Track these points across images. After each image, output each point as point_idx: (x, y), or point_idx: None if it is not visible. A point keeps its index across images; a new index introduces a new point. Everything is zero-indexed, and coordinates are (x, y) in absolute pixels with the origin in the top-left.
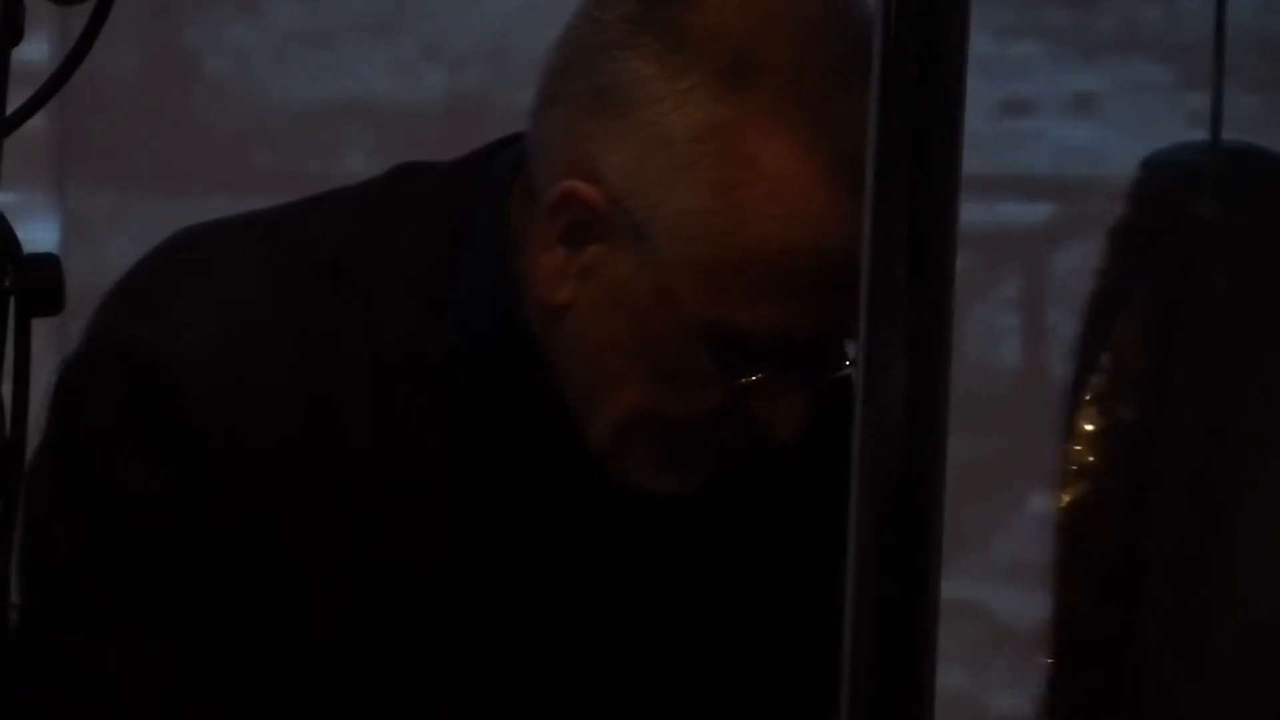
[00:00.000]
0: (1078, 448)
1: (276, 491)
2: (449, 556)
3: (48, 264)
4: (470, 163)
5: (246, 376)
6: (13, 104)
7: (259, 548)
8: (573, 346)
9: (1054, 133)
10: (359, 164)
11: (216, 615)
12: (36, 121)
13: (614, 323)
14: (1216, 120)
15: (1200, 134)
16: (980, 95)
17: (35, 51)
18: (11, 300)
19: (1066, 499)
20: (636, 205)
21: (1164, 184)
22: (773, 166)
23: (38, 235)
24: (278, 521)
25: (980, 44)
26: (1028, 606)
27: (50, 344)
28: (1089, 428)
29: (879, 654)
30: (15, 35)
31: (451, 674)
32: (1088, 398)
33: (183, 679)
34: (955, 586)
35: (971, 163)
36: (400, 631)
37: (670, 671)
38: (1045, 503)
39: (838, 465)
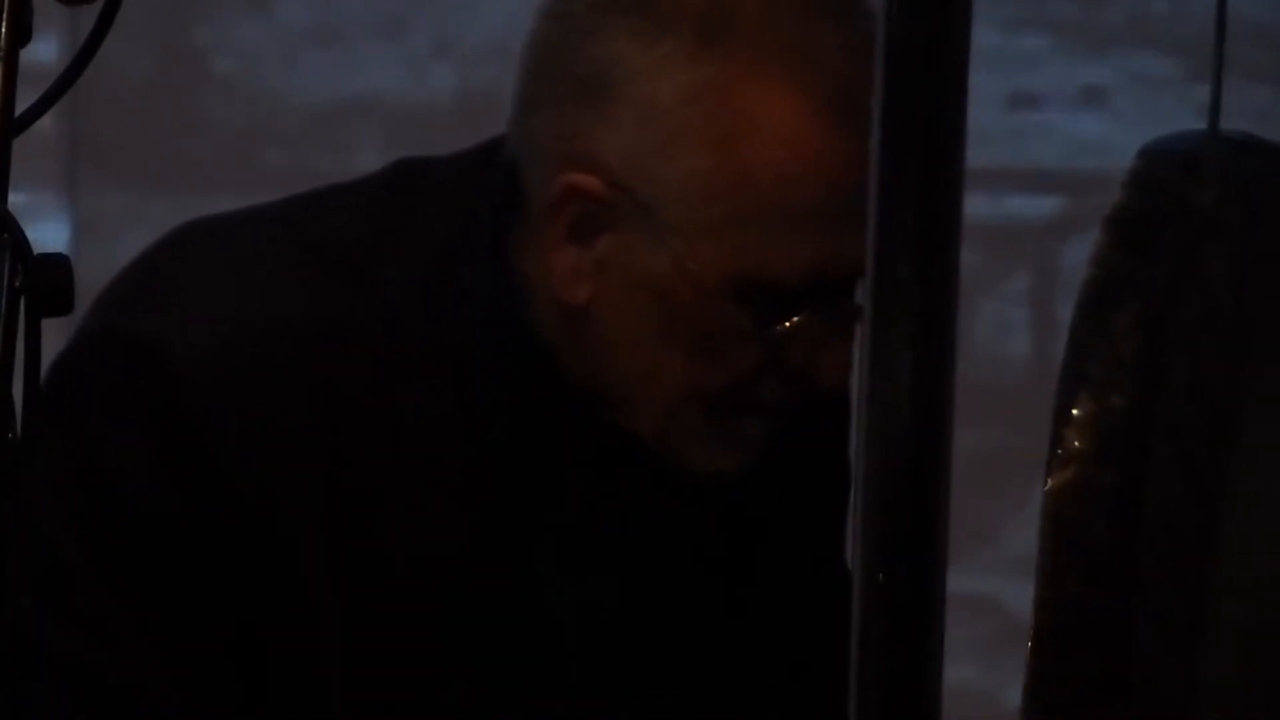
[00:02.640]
0: (1067, 433)
1: (280, 486)
2: (457, 552)
3: (58, 264)
4: (473, 157)
5: (252, 371)
6: (22, 104)
7: (260, 543)
8: (604, 343)
9: (1062, 126)
10: (369, 163)
11: (209, 614)
12: (46, 121)
13: (640, 307)
14: (1215, 109)
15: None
16: (988, 89)
17: (44, 51)
18: (22, 300)
19: (1053, 484)
20: (639, 182)
21: (1162, 172)
22: (764, 113)
23: (48, 235)
24: (281, 517)
25: (988, 37)
26: None
27: (60, 344)
28: (1077, 413)
29: (887, 648)
30: (24, 35)
31: (459, 671)
32: (1080, 384)
33: (170, 677)
34: (966, 580)
35: (980, 156)
36: (406, 627)
37: (680, 666)
38: None
39: (843, 459)
